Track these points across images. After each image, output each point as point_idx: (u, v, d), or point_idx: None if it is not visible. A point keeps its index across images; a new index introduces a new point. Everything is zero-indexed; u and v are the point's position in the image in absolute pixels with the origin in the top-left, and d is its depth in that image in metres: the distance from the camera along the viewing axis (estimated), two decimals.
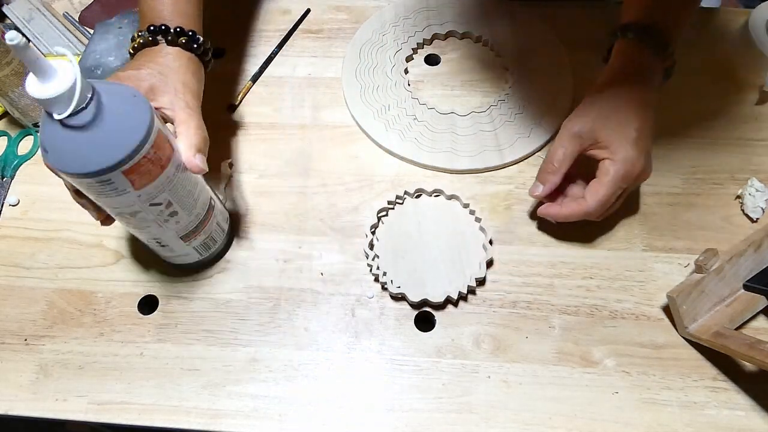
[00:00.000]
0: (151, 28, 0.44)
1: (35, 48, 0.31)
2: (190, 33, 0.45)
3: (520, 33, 0.62)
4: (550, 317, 0.47)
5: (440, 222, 0.50)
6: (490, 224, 0.50)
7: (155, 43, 0.45)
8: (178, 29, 0.44)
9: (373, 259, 0.48)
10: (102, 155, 0.34)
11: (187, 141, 0.41)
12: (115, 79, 0.42)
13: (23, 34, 0.30)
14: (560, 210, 0.46)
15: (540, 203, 0.49)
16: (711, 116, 0.56)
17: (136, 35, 0.46)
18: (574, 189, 0.48)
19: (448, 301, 0.47)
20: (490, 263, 0.49)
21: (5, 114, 0.60)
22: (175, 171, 0.39)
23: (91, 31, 0.65)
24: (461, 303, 0.47)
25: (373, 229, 0.50)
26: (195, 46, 0.45)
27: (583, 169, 0.47)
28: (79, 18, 0.67)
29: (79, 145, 0.33)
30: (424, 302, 0.47)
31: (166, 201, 0.40)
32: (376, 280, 0.48)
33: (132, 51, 0.47)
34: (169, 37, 0.44)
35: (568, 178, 0.47)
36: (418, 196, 0.52)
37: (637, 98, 0.45)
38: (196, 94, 0.45)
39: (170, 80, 0.43)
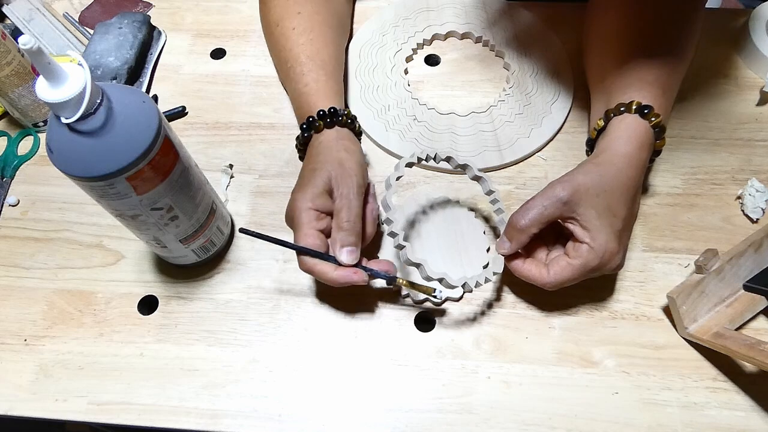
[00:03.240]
0: (303, 126, 0.47)
1: (47, 52, 0.31)
2: (331, 110, 0.47)
3: (520, 33, 0.62)
4: (550, 317, 0.47)
5: (441, 224, 0.50)
6: (490, 225, 0.50)
7: (309, 138, 0.47)
8: (320, 113, 0.47)
9: (394, 215, 0.44)
10: (107, 161, 0.34)
11: (333, 233, 0.42)
12: (294, 201, 0.43)
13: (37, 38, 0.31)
14: (521, 267, 0.44)
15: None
16: (711, 116, 0.56)
17: (297, 141, 0.49)
18: (538, 250, 0.45)
19: (465, 289, 0.44)
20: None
21: (5, 114, 0.60)
22: (178, 177, 0.39)
23: (91, 32, 0.65)
24: (461, 303, 0.47)
25: (398, 178, 0.45)
26: (339, 119, 0.47)
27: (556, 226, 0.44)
28: (79, 18, 0.67)
29: (84, 149, 0.33)
30: (439, 285, 0.43)
31: (168, 206, 0.40)
32: (392, 235, 0.44)
33: (300, 154, 0.50)
34: (317, 124, 0.47)
35: (539, 233, 0.43)
36: (448, 159, 0.47)
37: (632, 185, 0.42)
38: (353, 176, 0.44)
39: (328, 163, 0.44)
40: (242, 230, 0.42)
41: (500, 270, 0.44)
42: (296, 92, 0.50)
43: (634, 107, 0.44)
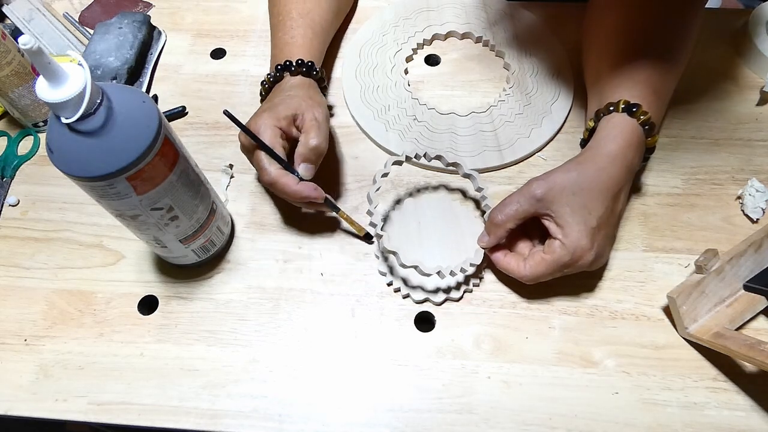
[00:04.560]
0: (278, 66, 0.50)
1: (47, 52, 0.31)
2: (309, 63, 0.50)
3: (520, 33, 0.62)
4: (550, 317, 0.47)
5: (440, 219, 0.50)
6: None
7: (281, 77, 0.51)
8: (299, 61, 0.50)
9: (375, 207, 0.47)
10: (107, 161, 0.34)
11: (300, 148, 0.45)
12: (256, 118, 0.46)
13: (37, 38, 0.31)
14: (501, 259, 0.46)
15: None
16: (711, 116, 0.56)
17: (266, 78, 0.52)
18: (521, 245, 0.47)
19: (442, 296, 0.47)
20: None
21: (5, 114, 0.60)
22: (178, 177, 0.39)
23: (91, 31, 0.65)
24: (461, 303, 0.47)
25: (383, 175, 0.48)
26: (314, 72, 0.51)
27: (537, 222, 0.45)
28: (79, 18, 0.68)
29: (84, 149, 0.33)
30: (415, 276, 0.46)
31: (168, 206, 0.40)
32: (376, 238, 0.47)
33: (263, 93, 0.52)
34: (293, 69, 0.50)
35: (524, 227, 0.45)
36: (436, 157, 0.49)
37: (613, 184, 0.43)
38: (323, 107, 0.48)
39: (299, 96, 0.47)
40: (226, 113, 0.43)
41: (478, 262, 0.45)
42: (282, 41, 0.53)
43: (621, 106, 0.45)
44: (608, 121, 0.45)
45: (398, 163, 0.48)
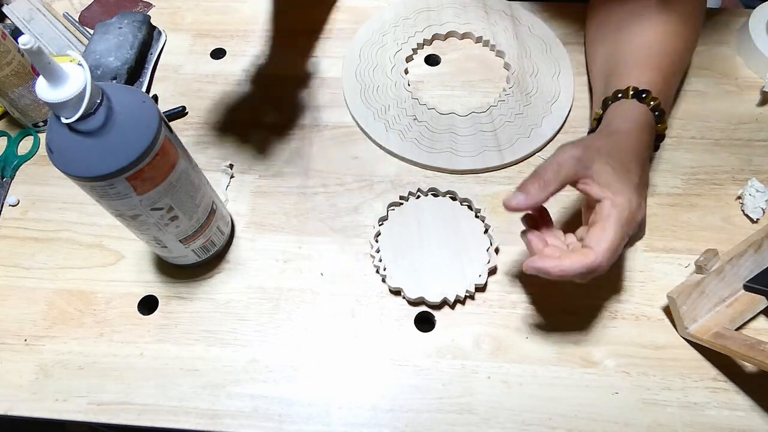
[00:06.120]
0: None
1: (47, 52, 0.31)
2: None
3: (520, 33, 0.62)
4: (550, 317, 0.47)
5: (441, 223, 0.50)
6: (490, 225, 0.50)
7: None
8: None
9: (377, 251, 0.49)
10: (107, 161, 0.34)
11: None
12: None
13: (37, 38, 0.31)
14: (559, 263, 0.37)
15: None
16: (711, 116, 0.56)
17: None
18: (553, 244, 0.41)
19: (446, 303, 0.47)
20: (493, 271, 0.48)
21: (5, 114, 0.60)
22: (178, 177, 0.39)
23: (91, 31, 0.65)
24: (461, 303, 0.47)
25: (381, 222, 0.51)
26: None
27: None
28: (79, 18, 0.68)
29: (84, 148, 0.33)
30: (422, 301, 0.47)
31: (168, 206, 0.40)
32: (377, 272, 0.49)
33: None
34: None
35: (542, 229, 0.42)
36: (435, 195, 0.52)
37: (642, 149, 0.42)
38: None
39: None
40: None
41: (482, 283, 0.47)
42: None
43: (631, 92, 0.45)
44: (618, 107, 0.45)
45: (396, 204, 0.51)
